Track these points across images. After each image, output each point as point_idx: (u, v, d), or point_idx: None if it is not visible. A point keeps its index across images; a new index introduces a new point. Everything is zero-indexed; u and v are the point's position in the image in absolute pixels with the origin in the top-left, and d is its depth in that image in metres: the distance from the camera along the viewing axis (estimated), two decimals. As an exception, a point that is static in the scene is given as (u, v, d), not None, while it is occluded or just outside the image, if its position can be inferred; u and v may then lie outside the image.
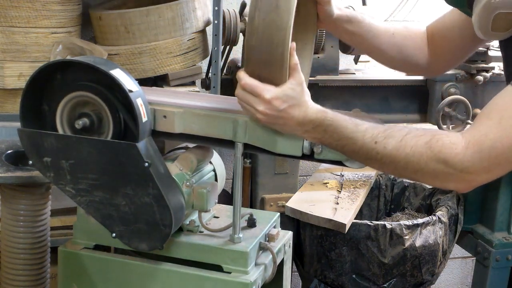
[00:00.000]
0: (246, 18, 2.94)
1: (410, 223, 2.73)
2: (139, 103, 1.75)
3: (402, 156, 1.60)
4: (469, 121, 3.06)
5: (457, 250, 3.82)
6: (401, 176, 1.67)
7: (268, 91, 1.63)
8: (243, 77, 1.66)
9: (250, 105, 1.67)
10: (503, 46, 1.81)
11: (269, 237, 1.99)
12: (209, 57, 3.05)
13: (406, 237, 2.71)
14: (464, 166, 1.56)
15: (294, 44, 1.64)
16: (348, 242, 2.73)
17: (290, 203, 2.85)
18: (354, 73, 3.20)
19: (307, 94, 1.68)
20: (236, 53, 3.20)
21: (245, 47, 1.69)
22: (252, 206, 3.11)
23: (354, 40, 2.03)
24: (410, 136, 1.61)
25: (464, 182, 1.60)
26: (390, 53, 2.05)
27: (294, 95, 1.65)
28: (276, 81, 1.64)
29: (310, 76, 2.93)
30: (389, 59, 2.09)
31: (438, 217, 2.83)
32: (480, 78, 3.09)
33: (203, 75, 3.09)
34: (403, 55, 2.06)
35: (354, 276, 2.78)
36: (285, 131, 1.70)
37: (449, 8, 2.01)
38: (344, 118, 1.66)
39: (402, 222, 2.74)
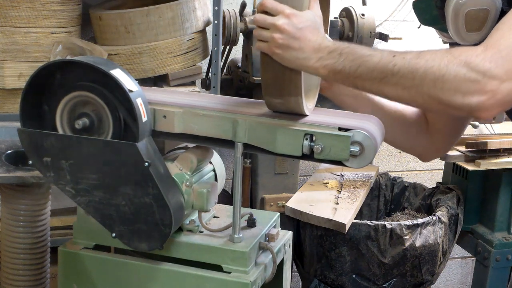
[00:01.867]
0: (246, 18, 2.95)
1: (410, 223, 2.74)
2: (139, 103, 1.75)
3: (421, 64, 1.50)
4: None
5: (457, 250, 3.82)
6: (417, 93, 1.47)
7: (289, 8, 1.63)
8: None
9: (269, 25, 1.63)
10: None
11: (269, 237, 1.99)
12: (209, 57, 3.05)
13: (406, 237, 2.71)
14: (487, 67, 1.45)
15: None
16: (348, 242, 2.74)
17: (290, 203, 2.85)
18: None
19: (323, 28, 1.67)
20: (236, 53, 3.20)
21: None
22: (252, 206, 3.11)
23: (355, 104, 1.97)
24: (428, 50, 1.54)
25: (488, 92, 1.46)
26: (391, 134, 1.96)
27: (313, 19, 1.64)
28: (296, 7, 1.65)
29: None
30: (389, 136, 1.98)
31: (438, 217, 2.83)
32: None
33: (203, 75, 3.09)
34: (400, 140, 2.02)
35: (354, 276, 2.78)
36: (298, 61, 1.63)
37: None
38: (363, 46, 1.63)
39: (402, 222, 2.75)
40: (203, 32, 3.00)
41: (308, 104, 1.83)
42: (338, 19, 3.03)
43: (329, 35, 2.92)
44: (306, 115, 1.80)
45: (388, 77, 1.54)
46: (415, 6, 1.80)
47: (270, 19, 1.63)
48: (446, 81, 1.48)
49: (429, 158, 2.08)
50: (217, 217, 2.06)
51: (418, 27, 1.85)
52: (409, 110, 1.97)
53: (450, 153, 3.09)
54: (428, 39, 2.08)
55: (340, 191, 3.01)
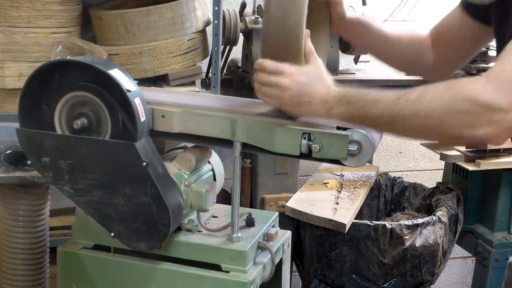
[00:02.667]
0: (246, 18, 2.95)
1: (410, 223, 2.73)
2: (137, 102, 1.75)
3: (424, 105, 1.53)
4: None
5: (457, 250, 3.82)
6: (427, 132, 1.51)
7: (290, 66, 1.67)
8: (263, 60, 1.70)
9: (274, 84, 1.67)
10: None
11: (268, 237, 1.99)
12: (209, 57, 3.05)
13: (406, 237, 2.71)
14: (489, 100, 1.47)
15: (308, 31, 1.69)
16: (348, 242, 2.73)
17: (290, 203, 2.85)
18: (354, 73, 3.20)
19: (327, 74, 1.70)
20: (236, 53, 3.20)
21: (262, 36, 1.73)
22: (252, 206, 3.11)
23: (363, 42, 2.07)
24: (430, 88, 1.56)
25: (495, 124, 1.48)
26: (397, 56, 2.07)
27: (315, 72, 1.68)
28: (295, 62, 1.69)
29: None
30: (396, 62, 2.11)
31: (438, 217, 2.83)
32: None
33: (203, 75, 3.09)
34: (409, 58, 2.08)
35: (354, 276, 2.78)
36: (309, 113, 1.70)
37: (450, 10, 2.02)
38: (365, 89, 1.67)
39: (402, 222, 2.75)
40: (203, 32, 2.99)
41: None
42: (338, 19, 3.02)
43: (329, 36, 2.93)
44: None
45: (396, 122, 1.58)
46: None
47: (274, 79, 1.67)
48: (452, 118, 1.51)
49: (440, 74, 2.10)
50: (216, 217, 2.06)
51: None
52: (407, 33, 2.07)
53: (450, 153, 3.09)
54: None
55: (340, 191, 3.01)
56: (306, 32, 1.68)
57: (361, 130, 1.69)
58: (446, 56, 2.06)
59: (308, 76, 1.66)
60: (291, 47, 1.67)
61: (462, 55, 2.07)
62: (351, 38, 2.10)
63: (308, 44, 1.70)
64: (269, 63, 1.69)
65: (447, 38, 2.03)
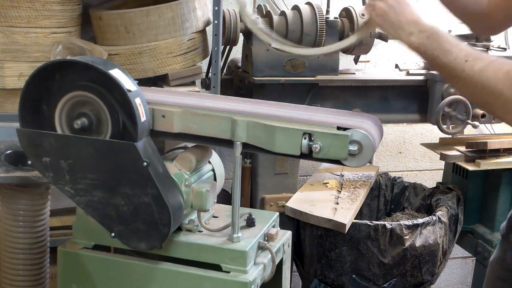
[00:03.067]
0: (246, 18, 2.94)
1: (410, 223, 2.73)
2: (137, 102, 1.76)
3: (484, 78, 1.64)
4: (469, 121, 3.06)
5: (457, 250, 3.82)
6: (477, 100, 1.75)
7: None
8: None
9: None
10: None
11: (268, 237, 1.99)
12: (209, 57, 3.05)
13: (406, 237, 2.71)
14: None
15: None
16: (348, 242, 2.73)
17: (290, 203, 2.85)
18: (354, 73, 3.19)
19: (419, 11, 1.82)
20: (236, 53, 3.20)
21: None
22: (252, 206, 3.11)
23: None
24: (496, 63, 1.66)
25: None
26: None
27: (412, 2, 1.81)
28: None
29: (310, 76, 2.95)
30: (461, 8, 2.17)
31: (438, 217, 2.83)
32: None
33: (203, 75, 3.09)
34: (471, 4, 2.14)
35: (354, 276, 2.78)
36: (393, 29, 1.81)
37: None
38: (449, 34, 1.77)
39: (402, 222, 2.74)
40: (203, 32, 2.99)
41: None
42: (338, 19, 3.03)
43: (329, 35, 2.93)
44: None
45: (456, 78, 1.71)
46: None
47: None
48: (502, 102, 1.62)
49: (494, 29, 2.26)
50: (216, 217, 2.06)
51: None
52: None
53: (450, 153, 3.09)
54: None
55: (340, 191, 3.01)
56: None
57: (361, 131, 1.69)
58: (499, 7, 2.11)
59: (407, 2, 1.80)
60: None
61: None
62: None
63: None
64: None
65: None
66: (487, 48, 3.14)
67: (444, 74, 1.76)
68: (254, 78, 2.91)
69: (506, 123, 1.72)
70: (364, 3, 3.21)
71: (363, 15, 3.07)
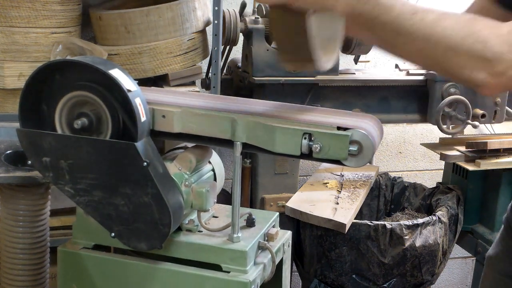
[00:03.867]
0: (246, 18, 2.95)
1: (410, 223, 2.74)
2: (137, 102, 1.75)
3: (439, 29, 1.42)
4: (469, 121, 3.06)
5: (457, 250, 3.82)
6: (427, 58, 1.46)
7: None
8: None
9: None
10: None
11: (268, 237, 1.99)
12: (209, 57, 3.05)
13: (406, 237, 2.71)
14: (503, 50, 1.40)
15: None
16: (348, 242, 2.73)
17: (290, 203, 2.85)
18: (354, 73, 3.20)
19: None
20: (236, 53, 3.20)
21: None
22: (252, 206, 3.11)
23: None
24: (451, 13, 1.45)
25: (495, 75, 1.42)
26: None
27: None
28: None
29: (310, 76, 2.95)
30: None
31: (438, 217, 2.83)
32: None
33: (203, 75, 3.09)
34: None
35: (354, 276, 2.78)
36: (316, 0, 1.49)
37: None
38: None
39: (402, 222, 2.75)
40: (203, 32, 3.00)
41: (327, 57, 1.76)
42: (338, 19, 3.02)
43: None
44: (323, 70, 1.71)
45: (401, 36, 1.45)
46: None
47: None
48: (458, 52, 1.42)
49: None
50: (216, 217, 2.06)
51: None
52: None
53: (450, 153, 3.09)
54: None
55: (340, 191, 3.01)
56: None
57: (362, 131, 1.69)
58: None
59: None
60: None
61: None
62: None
63: None
64: None
65: None
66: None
67: (387, 34, 1.47)
68: (254, 78, 2.91)
69: (458, 81, 1.50)
70: None
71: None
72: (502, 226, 2.12)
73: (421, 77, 3.16)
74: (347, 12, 1.47)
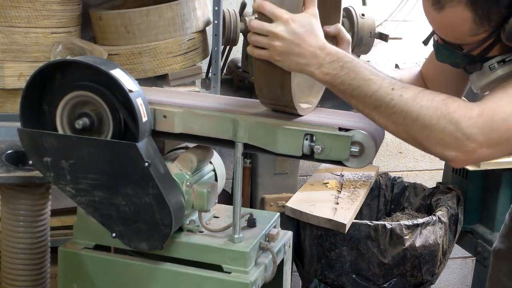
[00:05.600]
0: (246, 18, 2.94)
1: (410, 223, 2.74)
2: (139, 103, 1.75)
3: (416, 108, 1.54)
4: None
5: (457, 250, 3.82)
6: (404, 132, 1.59)
7: (286, 12, 1.61)
8: (262, 2, 1.63)
9: (266, 32, 1.62)
10: None
11: (269, 237, 1.99)
12: (209, 57, 3.05)
13: (406, 237, 2.71)
14: (473, 132, 1.52)
15: None
16: (348, 242, 2.74)
17: (290, 203, 2.85)
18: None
19: (321, 30, 1.65)
20: (236, 53, 3.20)
21: None
22: (252, 206, 3.11)
23: None
24: (427, 92, 1.58)
25: (466, 153, 1.55)
26: None
27: (311, 22, 1.62)
28: (292, 10, 1.63)
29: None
30: None
31: (438, 217, 2.83)
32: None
33: (203, 75, 3.09)
34: None
35: (354, 276, 2.78)
36: (299, 66, 1.63)
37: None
38: (363, 62, 1.64)
39: (402, 222, 2.75)
40: (203, 32, 2.99)
41: (311, 100, 1.83)
42: (338, 19, 3.02)
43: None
44: (301, 115, 1.81)
45: (382, 108, 1.58)
46: (438, 47, 1.75)
47: (268, 25, 1.62)
48: (433, 131, 1.55)
49: None
50: (217, 217, 2.06)
51: (424, 44, 1.84)
52: (406, 75, 2.03)
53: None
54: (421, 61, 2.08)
55: (340, 191, 3.01)
56: None
57: (363, 132, 1.69)
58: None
59: (303, 25, 1.61)
60: None
61: (455, 90, 2.04)
62: None
63: None
64: (267, 5, 1.62)
65: (433, 79, 2.00)
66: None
67: (367, 103, 1.60)
68: (254, 78, 2.90)
69: (431, 154, 1.60)
70: (364, 3, 3.21)
71: (363, 15, 3.08)
72: (508, 219, 2.14)
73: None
74: (327, 80, 1.61)
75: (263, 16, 1.64)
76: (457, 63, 1.74)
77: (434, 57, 1.85)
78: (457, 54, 1.69)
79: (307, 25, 1.62)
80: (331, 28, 1.86)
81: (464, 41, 1.64)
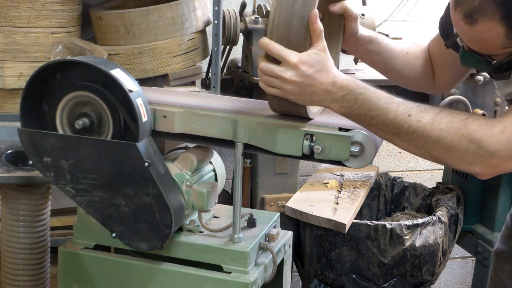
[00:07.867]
0: (246, 18, 2.95)
1: (410, 223, 2.74)
2: (139, 103, 1.75)
3: (435, 131, 1.57)
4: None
5: (457, 250, 3.82)
6: (427, 154, 1.62)
7: (294, 55, 1.60)
8: (268, 42, 1.62)
9: (276, 76, 1.62)
10: None
11: (269, 237, 1.99)
12: (209, 57, 3.05)
13: (406, 237, 2.72)
14: (496, 149, 1.55)
15: (317, 11, 1.63)
16: (348, 242, 2.74)
17: (290, 203, 2.85)
18: (354, 73, 3.20)
19: (332, 61, 1.65)
20: (236, 53, 3.20)
21: (269, 16, 1.66)
22: (252, 206, 3.11)
23: (372, 59, 2.03)
24: (445, 113, 1.59)
25: (491, 167, 1.59)
26: (404, 72, 2.05)
27: (320, 59, 1.62)
28: (299, 48, 1.62)
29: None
30: (403, 78, 2.08)
31: (438, 217, 2.83)
32: (480, 78, 3.09)
33: (203, 75, 3.09)
34: (416, 74, 2.06)
35: (354, 276, 2.78)
36: (314, 103, 1.66)
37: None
38: (376, 89, 1.65)
39: (402, 222, 2.75)
40: (203, 32, 2.99)
41: (319, 109, 1.84)
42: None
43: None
44: (311, 119, 1.80)
45: (402, 134, 1.61)
46: (464, 54, 1.73)
47: (278, 70, 1.61)
48: (455, 151, 1.58)
49: (442, 90, 2.20)
50: (217, 217, 2.06)
51: (447, 47, 1.85)
52: (413, 49, 2.06)
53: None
54: (428, 38, 2.09)
55: (340, 191, 3.01)
56: (314, 12, 1.61)
57: (363, 132, 1.69)
58: (442, 73, 2.05)
59: (312, 65, 1.60)
60: (298, 26, 1.62)
61: (456, 75, 2.06)
62: (360, 55, 2.07)
63: (316, 25, 1.62)
64: (274, 47, 1.61)
65: (438, 59, 2.03)
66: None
67: (386, 133, 1.63)
68: (254, 78, 2.91)
69: (458, 170, 1.67)
70: (364, 3, 3.21)
71: (363, 15, 3.08)
72: (509, 221, 2.14)
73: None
74: (343, 112, 1.64)
75: (270, 56, 1.64)
76: (483, 68, 1.75)
77: (435, 43, 1.91)
78: (484, 62, 1.69)
79: (316, 64, 1.61)
80: (337, 7, 1.84)
81: (495, 52, 1.64)
